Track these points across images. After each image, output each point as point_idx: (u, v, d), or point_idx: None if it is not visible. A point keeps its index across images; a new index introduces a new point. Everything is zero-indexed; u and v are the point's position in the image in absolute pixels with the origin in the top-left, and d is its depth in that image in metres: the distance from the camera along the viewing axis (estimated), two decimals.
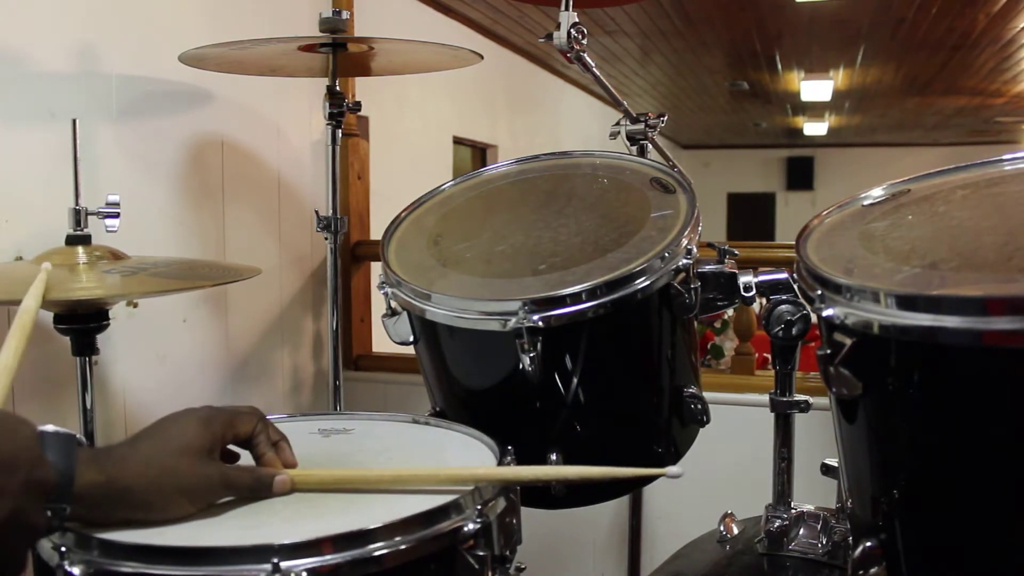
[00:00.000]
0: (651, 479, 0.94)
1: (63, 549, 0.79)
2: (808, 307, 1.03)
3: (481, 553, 0.86)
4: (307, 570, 0.75)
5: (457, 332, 1.16)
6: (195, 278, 1.51)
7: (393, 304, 1.23)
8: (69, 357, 1.45)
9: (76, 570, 0.77)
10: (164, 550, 0.77)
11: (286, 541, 0.76)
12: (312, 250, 2.49)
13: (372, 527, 0.79)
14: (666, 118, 1.50)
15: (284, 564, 0.74)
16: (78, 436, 0.79)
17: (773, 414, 1.30)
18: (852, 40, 6.57)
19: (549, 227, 1.26)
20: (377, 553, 0.79)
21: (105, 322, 1.43)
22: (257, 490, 0.89)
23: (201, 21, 2.06)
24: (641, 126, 1.47)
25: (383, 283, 1.24)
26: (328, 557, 0.77)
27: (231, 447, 0.92)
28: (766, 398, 1.30)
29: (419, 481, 0.92)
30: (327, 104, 1.91)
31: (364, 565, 0.78)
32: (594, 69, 1.46)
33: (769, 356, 1.35)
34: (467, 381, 1.24)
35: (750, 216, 14.27)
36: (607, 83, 1.50)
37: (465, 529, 0.85)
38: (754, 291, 1.24)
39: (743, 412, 2.04)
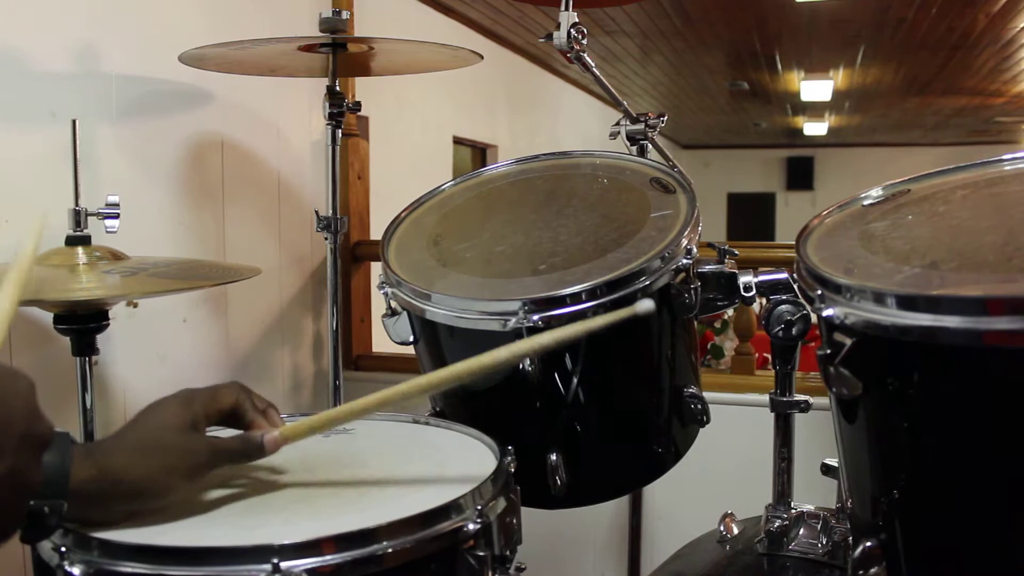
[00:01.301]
0: (627, 322, 0.91)
1: (63, 549, 0.78)
2: (808, 307, 1.03)
3: (481, 553, 0.86)
4: (307, 570, 0.75)
5: (457, 332, 1.16)
6: (195, 278, 1.51)
7: (393, 304, 1.23)
8: (69, 357, 1.45)
9: (76, 570, 0.77)
10: (164, 550, 0.77)
11: (286, 541, 0.76)
12: (312, 250, 2.49)
13: (372, 527, 0.79)
14: (666, 118, 1.50)
15: (284, 564, 0.74)
16: (71, 434, 0.79)
17: (773, 414, 1.30)
18: (852, 40, 6.57)
19: (549, 227, 1.26)
20: (377, 553, 0.79)
21: (105, 322, 1.43)
22: (249, 452, 0.89)
23: (201, 21, 2.06)
24: (641, 126, 1.47)
25: (383, 283, 1.24)
26: (328, 557, 0.77)
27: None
28: (766, 398, 1.30)
29: (396, 396, 0.90)
30: (327, 104, 1.91)
31: (364, 565, 0.78)
32: (594, 69, 1.46)
33: (769, 356, 1.35)
34: (467, 381, 1.24)
35: (750, 216, 14.27)
36: (607, 83, 1.50)
37: (465, 529, 0.85)
38: (754, 291, 1.24)
39: (743, 412, 2.04)
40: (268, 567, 0.74)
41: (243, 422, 0.92)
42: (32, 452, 0.73)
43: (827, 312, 0.92)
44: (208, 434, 0.89)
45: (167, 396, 0.89)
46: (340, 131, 1.96)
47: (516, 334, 1.07)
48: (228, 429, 0.93)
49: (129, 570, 0.76)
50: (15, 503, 0.73)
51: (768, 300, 1.23)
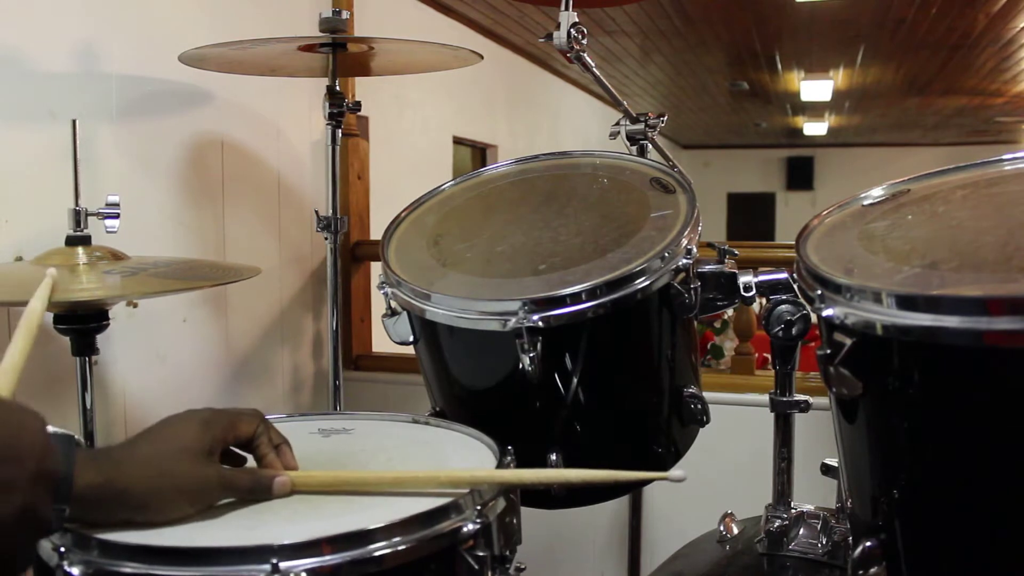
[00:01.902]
0: (652, 480, 0.95)
1: (62, 549, 0.78)
2: (808, 307, 1.03)
3: (481, 553, 0.86)
4: (306, 570, 0.75)
5: (457, 332, 1.16)
6: (195, 278, 1.51)
7: (393, 304, 1.23)
8: (69, 357, 1.45)
9: (75, 570, 0.77)
10: (163, 550, 0.77)
11: (286, 541, 0.76)
12: (312, 250, 2.49)
13: (372, 527, 0.79)
14: (666, 118, 1.50)
15: (283, 564, 0.74)
16: (76, 437, 0.78)
17: (773, 414, 1.30)
18: (852, 40, 6.57)
19: (549, 227, 1.26)
20: (377, 553, 0.79)
21: (105, 322, 1.43)
22: (256, 491, 0.89)
23: (201, 21, 2.06)
24: (641, 126, 1.47)
25: (383, 283, 1.24)
26: (328, 557, 0.77)
27: (235, 450, 0.92)
28: (766, 398, 1.30)
29: (419, 483, 0.92)
30: (327, 104, 1.91)
31: (364, 565, 0.78)
32: (594, 69, 1.46)
33: (769, 356, 1.35)
34: (467, 381, 1.24)
35: (750, 216, 14.26)
36: (607, 83, 1.50)
37: (465, 529, 0.85)
38: (754, 291, 1.24)
39: (743, 412, 2.04)
40: (267, 567, 0.74)
41: (256, 454, 0.92)
42: (44, 489, 0.73)
43: (827, 312, 0.92)
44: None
45: (187, 413, 0.88)
46: (340, 131, 1.96)
47: (516, 334, 1.07)
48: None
49: (129, 570, 0.76)
50: (27, 540, 0.73)
51: (768, 300, 1.23)
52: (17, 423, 0.72)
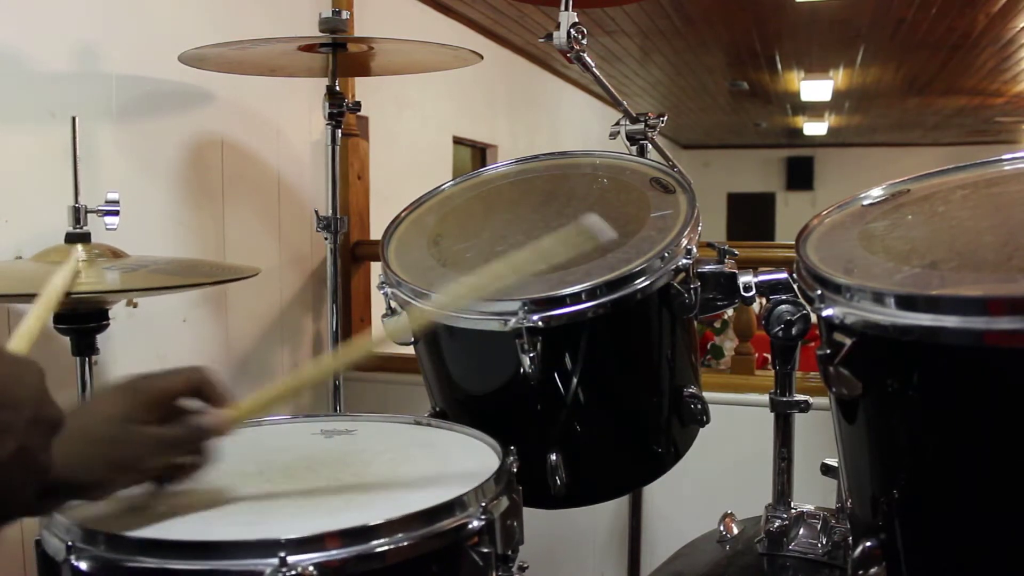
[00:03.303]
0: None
1: (70, 544, 0.79)
2: (808, 307, 1.03)
3: (485, 550, 0.86)
4: (314, 564, 0.76)
5: (457, 332, 1.16)
6: (195, 277, 1.51)
7: (393, 304, 1.23)
8: (69, 357, 1.45)
9: (83, 564, 0.78)
10: (171, 544, 0.78)
11: (293, 536, 0.76)
12: (312, 250, 2.49)
13: (378, 523, 0.80)
14: (666, 118, 1.50)
15: (291, 558, 0.75)
16: None
17: (773, 414, 1.31)
18: (852, 40, 6.56)
19: (549, 227, 1.26)
20: (382, 549, 0.79)
21: (105, 322, 1.43)
22: (198, 436, 0.85)
23: (201, 21, 2.06)
24: (641, 126, 1.47)
25: (383, 283, 1.24)
26: (334, 552, 0.77)
27: (188, 408, 0.87)
28: (766, 398, 1.30)
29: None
30: (327, 104, 1.91)
31: (369, 560, 0.79)
32: (594, 69, 1.46)
33: (769, 356, 1.35)
34: (467, 381, 1.24)
35: (750, 216, 14.26)
36: (607, 83, 1.50)
37: (469, 526, 0.85)
38: (754, 291, 1.24)
39: (743, 412, 2.04)
40: (275, 561, 0.75)
41: (209, 403, 0.88)
42: (42, 435, 0.73)
43: (827, 312, 0.92)
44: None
45: (112, 382, 0.86)
46: (340, 131, 1.96)
47: (516, 334, 1.07)
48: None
49: (136, 564, 0.77)
50: (24, 484, 0.72)
51: (768, 300, 1.23)
52: (14, 372, 0.72)
